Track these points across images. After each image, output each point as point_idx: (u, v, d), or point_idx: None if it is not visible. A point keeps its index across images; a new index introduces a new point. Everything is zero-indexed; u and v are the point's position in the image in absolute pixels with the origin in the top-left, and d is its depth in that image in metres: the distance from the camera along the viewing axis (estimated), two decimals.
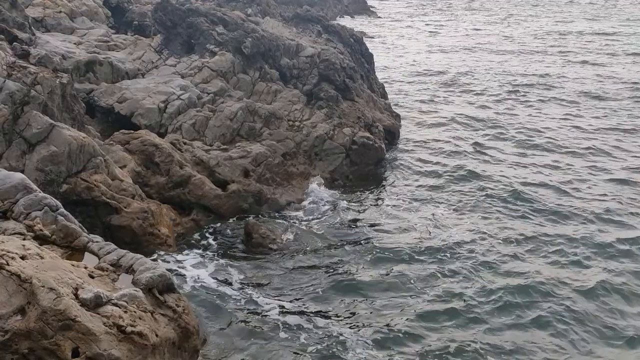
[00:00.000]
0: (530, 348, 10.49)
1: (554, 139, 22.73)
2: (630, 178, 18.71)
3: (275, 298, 11.80)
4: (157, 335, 7.48)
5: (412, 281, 12.59)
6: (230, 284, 12.29)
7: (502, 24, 57.81)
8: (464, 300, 11.86)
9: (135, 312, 7.43)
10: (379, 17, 65.51)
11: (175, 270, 12.33)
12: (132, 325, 7.15)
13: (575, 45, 43.83)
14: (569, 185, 18.11)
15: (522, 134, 23.22)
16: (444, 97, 29.52)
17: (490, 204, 16.60)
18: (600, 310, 11.68)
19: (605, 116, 25.91)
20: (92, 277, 7.91)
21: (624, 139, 22.81)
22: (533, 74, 34.31)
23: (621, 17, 60.27)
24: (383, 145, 20.83)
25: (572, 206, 16.51)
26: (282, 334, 10.64)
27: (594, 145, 21.84)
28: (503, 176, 18.75)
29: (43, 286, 6.92)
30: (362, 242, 14.42)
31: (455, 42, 47.05)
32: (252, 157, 16.80)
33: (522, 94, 29.87)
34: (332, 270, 13.02)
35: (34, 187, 9.38)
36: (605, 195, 17.42)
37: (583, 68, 36.08)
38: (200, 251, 13.65)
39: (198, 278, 12.43)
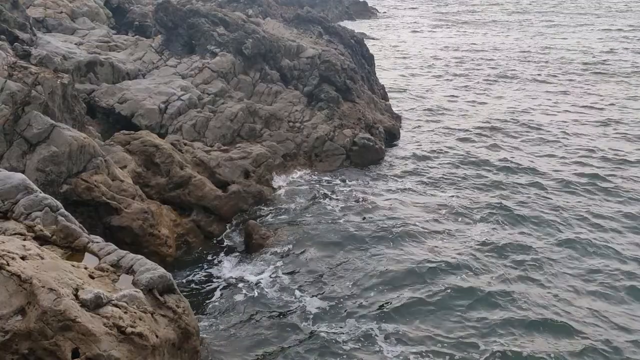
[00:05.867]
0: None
1: (557, 136, 22.80)
2: None
3: (285, 296, 11.84)
4: (157, 336, 7.47)
5: (414, 274, 12.74)
6: (234, 284, 12.31)
7: (504, 26, 57.82)
8: (480, 292, 12.15)
9: (135, 312, 7.42)
10: (380, 19, 65.56)
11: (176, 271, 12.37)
12: (132, 326, 7.15)
13: None
14: (568, 184, 18.19)
15: (523, 134, 23.22)
16: (444, 98, 29.52)
17: (490, 203, 16.61)
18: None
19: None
20: (92, 277, 7.91)
21: None
22: (535, 74, 34.35)
23: None
24: (383, 147, 20.87)
25: (567, 207, 16.57)
26: (298, 332, 10.72)
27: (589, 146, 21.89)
28: (502, 176, 18.77)
29: (43, 286, 6.92)
30: (360, 238, 14.44)
31: (456, 43, 47.08)
32: (253, 158, 16.80)
33: (524, 94, 29.89)
34: (333, 267, 13.04)
35: (35, 187, 9.37)
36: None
37: None
38: (201, 252, 13.70)
39: (201, 278, 12.47)
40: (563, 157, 20.80)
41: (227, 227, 14.81)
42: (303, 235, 14.56)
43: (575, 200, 17.12)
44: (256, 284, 12.35)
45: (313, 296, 11.96)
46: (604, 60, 38.36)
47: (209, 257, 13.54)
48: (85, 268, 8.10)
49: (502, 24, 58.88)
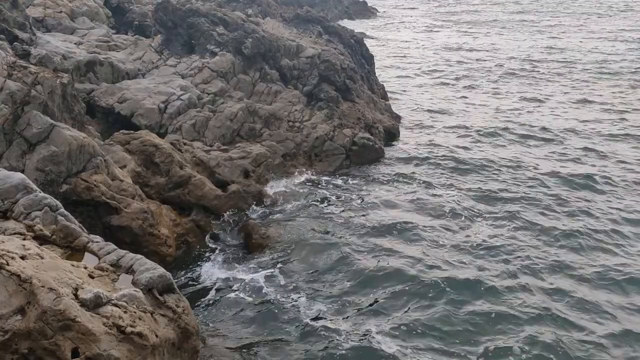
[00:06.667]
0: None
1: (560, 136, 22.87)
2: None
3: (285, 295, 11.88)
4: (156, 336, 7.47)
5: (413, 273, 12.77)
6: (234, 284, 12.32)
7: (506, 26, 57.81)
8: (479, 289, 12.25)
9: (135, 312, 7.42)
10: (380, 19, 65.54)
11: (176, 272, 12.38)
12: (131, 326, 7.14)
13: None
14: (566, 178, 18.35)
15: (525, 134, 23.21)
16: (444, 97, 29.53)
17: (490, 203, 16.63)
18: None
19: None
20: (92, 277, 7.91)
21: None
22: (537, 74, 34.34)
23: None
24: (383, 146, 20.88)
25: (566, 203, 16.59)
26: (298, 331, 10.77)
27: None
28: (503, 176, 18.78)
29: (43, 286, 6.92)
30: (359, 237, 14.46)
31: (457, 43, 47.05)
32: (252, 158, 16.80)
33: (525, 94, 29.87)
34: (332, 266, 13.06)
35: (34, 187, 9.37)
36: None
37: None
38: (200, 252, 13.71)
39: (196, 280, 12.48)
40: (565, 157, 20.80)
41: (226, 226, 14.81)
42: (302, 235, 14.56)
43: (578, 201, 17.09)
44: (255, 283, 12.35)
45: (312, 295, 11.97)
46: (607, 60, 38.32)
47: (209, 257, 13.54)
48: (85, 268, 8.10)
49: (503, 24, 58.84)
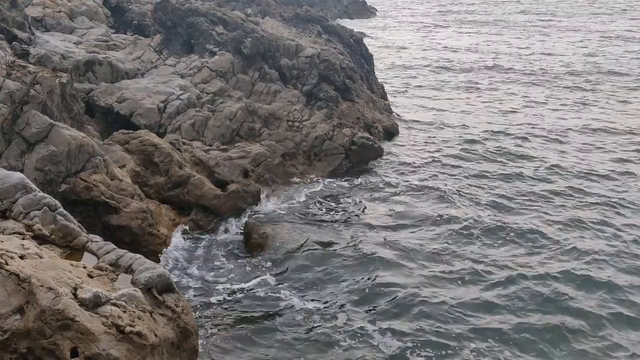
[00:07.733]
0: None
1: (555, 133, 22.88)
2: None
3: (283, 294, 11.87)
4: (156, 335, 7.47)
5: (411, 273, 12.75)
6: (232, 283, 12.32)
7: (506, 26, 57.82)
8: (477, 288, 12.28)
9: (134, 312, 7.42)
10: (380, 18, 65.53)
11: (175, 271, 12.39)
12: (131, 325, 7.14)
13: None
14: (560, 177, 18.36)
15: (526, 136, 23.20)
16: (444, 97, 29.52)
17: (490, 204, 16.62)
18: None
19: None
20: (91, 276, 7.91)
21: None
22: (539, 75, 34.32)
23: None
24: (382, 146, 20.89)
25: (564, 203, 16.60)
26: (296, 330, 10.77)
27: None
28: (503, 176, 18.78)
29: (42, 286, 6.92)
30: (357, 238, 14.45)
31: (457, 43, 47.03)
32: (252, 158, 16.80)
33: (527, 95, 29.86)
34: (331, 267, 13.05)
35: (33, 186, 9.37)
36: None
37: None
38: (200, 252, 13.72)
39: (197, 278, 12.49)
40: (567, 157, 20.76)
41: (226, 226, 14.81)
42: (301, 234, 14.55)
43: (581, 200, 16.95)
44: (254, 283, 12.35)
45: (311, 295, 11.97)
46: (610, 61, 38.24)
47: (208, 256, 13.53)
48: (84, 267, 8.10)
49: (504, 24, 58.80)
